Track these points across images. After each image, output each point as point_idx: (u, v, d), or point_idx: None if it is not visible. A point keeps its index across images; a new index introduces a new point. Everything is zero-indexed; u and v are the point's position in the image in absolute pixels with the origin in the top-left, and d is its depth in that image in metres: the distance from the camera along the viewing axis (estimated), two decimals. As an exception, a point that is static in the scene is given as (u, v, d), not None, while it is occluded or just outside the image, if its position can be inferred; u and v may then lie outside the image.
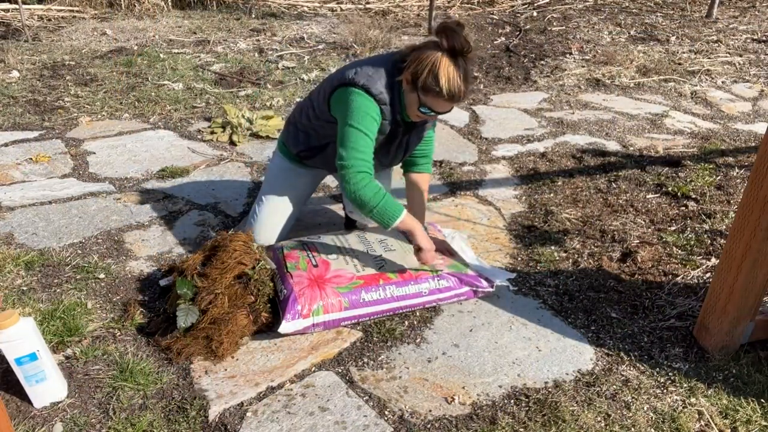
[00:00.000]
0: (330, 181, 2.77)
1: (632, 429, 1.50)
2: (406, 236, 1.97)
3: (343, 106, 1.82)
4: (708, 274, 2.10)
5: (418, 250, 1.90)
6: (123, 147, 3.13)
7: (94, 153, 3.05)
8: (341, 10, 6.58)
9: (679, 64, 4.81)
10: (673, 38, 5.54)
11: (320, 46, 5.18)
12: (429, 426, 1.50)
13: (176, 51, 4.92)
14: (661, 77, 4.50)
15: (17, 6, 5.17)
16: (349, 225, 2.38)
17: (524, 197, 2.72)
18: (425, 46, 1.76)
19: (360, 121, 1.78)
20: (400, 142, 1.99)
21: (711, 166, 2.95)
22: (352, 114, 1.79)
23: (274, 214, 2.14)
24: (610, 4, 7.08)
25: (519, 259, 2.24)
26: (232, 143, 3.23)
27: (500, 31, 5.85)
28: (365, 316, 1.84)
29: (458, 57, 1.72)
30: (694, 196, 2.64)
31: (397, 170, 2.26)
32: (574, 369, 1.69)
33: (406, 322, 1.87)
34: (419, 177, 2.14)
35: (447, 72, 1.71)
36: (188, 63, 4.60)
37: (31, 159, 2.95)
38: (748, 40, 5.49)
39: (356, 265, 1.89)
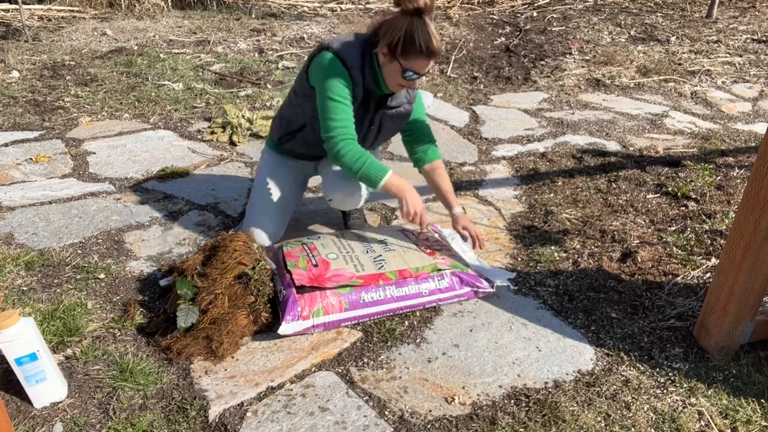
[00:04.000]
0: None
1: (632, 429, 1.50)
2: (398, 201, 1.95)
3: (316, 73, 1.89)
4: (708, 274, 2.10)
5: (405, 213, 1.90)
6: (123, 147, 3.13)
7: (94, 153, 3.05)
8: (341, 10, 6.58)
9: (679, 64, 4.81)
10: (673, 38, 5.54)
11: (320, 46, 5.17)
12: (429, 426, 1.50)
13: (176, 51, 4.92)
14: (661, 77, 4.50)
15: (17, 6, 5.17)
16: (348, 225, 2.39)
17: (524, 197, 2.72)
18: (392, 18, 1.82)
19: (333, 90, 1.85)
20: (372, 119, 2.01)
21: (711, 166, 2.95)
22: (325, 82, 1.86)
23: (267, 212, 2.15)
24: (610, 4, 7.08)
25: (519, 259, 2.24)
26: (232, 143, 3.23)
27: (500, 31, 5.85)
28: (365, 317, 1.84)
29: (424, 16, 1.78)
30: (694, 196, 2.64)
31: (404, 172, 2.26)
32: (574, 369, 1.69)
33: (406, 322, 1.87)
34: (431, 166, 2.14)
35: (421, 31, 1.77)
36: (188, 63, 4.60)
37: (31, 159, 2.95)
38: (748, 40, 5.49)
39: (356, 265, 1.88)
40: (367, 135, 2.05)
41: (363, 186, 2.14)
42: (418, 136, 2.14)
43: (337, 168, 2.13)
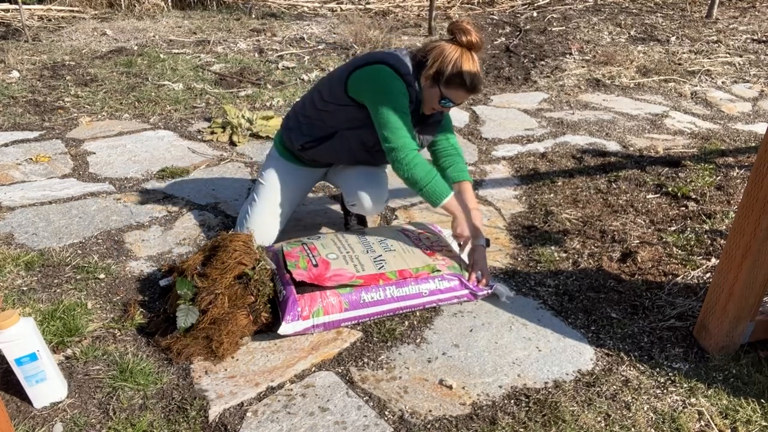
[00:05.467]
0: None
1: (632, 429, 1.50)
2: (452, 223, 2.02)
3: (371, 84, 1.86)
4: (708, 274, 2.10)
5: (456, 237, 2.01)
6: (123, 147, 3.13)
7: (94, 153, 3.05)
8: (341, 10, 6.58)
9: (679, 64, 4.81)
10: (673, 38, 5.54)
11: (320, 47, 5.18)
12: (429, 426, 1.50)
13: (176, 51, 4.92)
14: (661, 77, 4.50)
15: (17, 6, 5.18)
16: (348, 226, 2.38)
17: (524, 197, 2.72)
18: (443, 45, 1.86)
19: (395, 101, 1.84)
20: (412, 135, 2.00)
21: (711, 167, 2.95)
22: (385, 94, 1.84)
23: (267, 214, 2.14)
24: (610, 4, 7.08)
25: (519, 259, 2.24)
26: (232, 143, 3.23)
27: (500, 31, 5.86)
28: (365, 317, 1.84)
29: (473, 52, 1.87)
30: (694, 197, 2.64)
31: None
32: (574, 369, 1.69)
33: (406, 322, 1.87)
34: (458, 187, 2.06)
35: (469, 66, 1.86)
36: (188, 63, 4.60)
37: (31, 159, 2.95)
38: (748, 41, 5.49)
39: (356, 265, 1.88)
40: None
41: (387, 190, 2.14)
42: (445, 149, 2.11)
43: (356, 173, 2.11)
